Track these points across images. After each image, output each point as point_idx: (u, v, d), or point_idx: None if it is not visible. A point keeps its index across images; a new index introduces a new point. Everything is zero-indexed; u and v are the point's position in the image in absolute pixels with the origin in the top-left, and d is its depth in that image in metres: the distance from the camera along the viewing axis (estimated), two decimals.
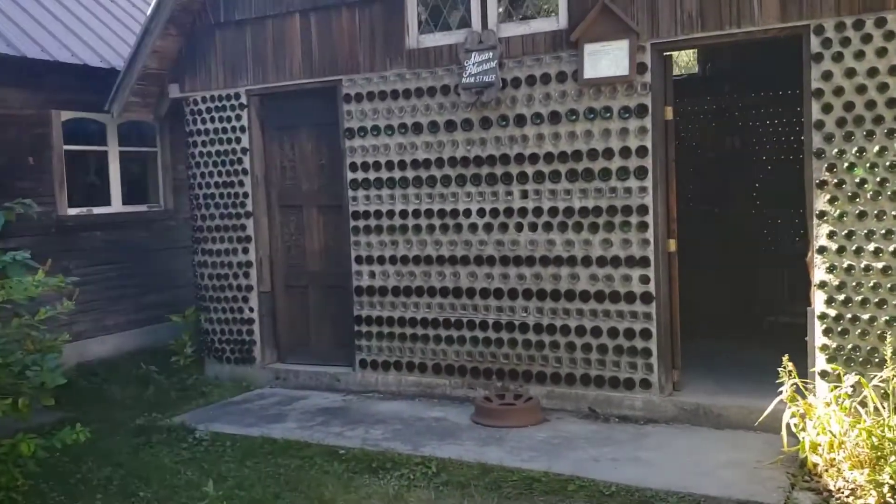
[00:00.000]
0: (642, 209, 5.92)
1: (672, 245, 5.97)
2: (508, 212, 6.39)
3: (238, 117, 7.58)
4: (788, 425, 4.95)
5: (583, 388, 6.21)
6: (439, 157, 6.63)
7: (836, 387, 4.93)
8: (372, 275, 7.00)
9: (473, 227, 6.54)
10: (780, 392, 5.08)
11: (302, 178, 7.50)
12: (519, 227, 6.37)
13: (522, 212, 6.34)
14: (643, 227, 5.93)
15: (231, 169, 7.66)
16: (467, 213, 6.55)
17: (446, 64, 6.55)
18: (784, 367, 5.02)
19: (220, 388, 7.45)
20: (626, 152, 5.94)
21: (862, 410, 4.80)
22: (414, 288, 6.82)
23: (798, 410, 4.93)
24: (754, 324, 8.18)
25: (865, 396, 4.84)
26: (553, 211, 6.22)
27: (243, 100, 7.54)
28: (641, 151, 5.89)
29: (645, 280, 5.94)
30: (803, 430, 4.90)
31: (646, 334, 5.97)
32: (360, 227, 7.02)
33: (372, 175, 6.93)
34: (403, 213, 6.82)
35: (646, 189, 5.90)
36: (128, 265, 8.97)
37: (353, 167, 7.01)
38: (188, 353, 8.12)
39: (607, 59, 5.91)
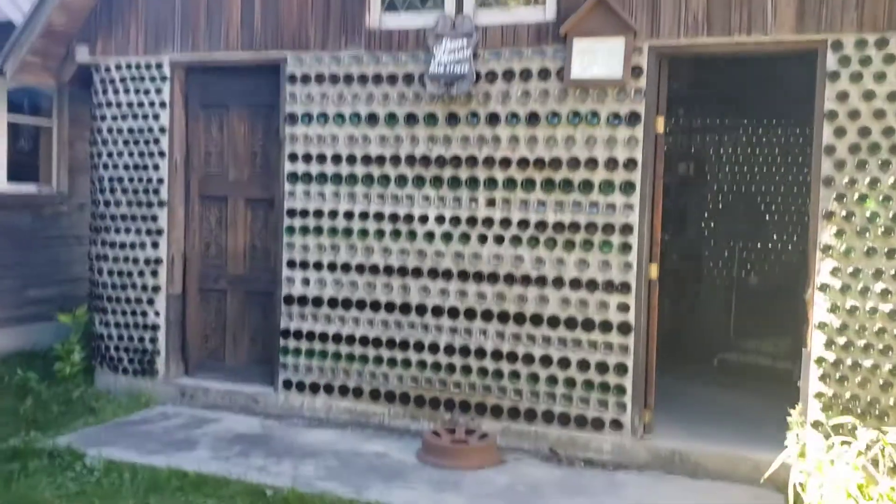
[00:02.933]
0: (626, 229, 5.29)
1: (654, 271, 5.36)
2: (472, 221, 5.65)
3: (158, 90, 6.54)
4: (794, 485, 4.37)
5: (544, 426, 5.50)
6: (396, 153, 5.82)
7: (845, 442, 4.39)
8: (306, 282, 6.09)
9: (430, 236, 5.75)
10: (778, 443, 4.53)
11: (229, 166, 6.52)
12: (482, 239, 5.63)
13: (488, 222, 5.60)
14: (626, 248, 5.29)
15: (145, 150, 6.60)
16: (424, 219, 5.76)
17: (412, 49, 5.76)
18: (795, 420, 4.46)
19: (113, 403, 6.34)
20: (612, 164, 5.31)
21: (873, 470, 4.28)
22: (354, 300, 5.96)
23: (804, 469, 4.37)
24: (704, 360, 7.71)
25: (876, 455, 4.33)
26: (523, 223, 5.51)
27: (166, 70, 6.51)
28: (630, 164, 5.27)
29: (624, 308, 5.31)
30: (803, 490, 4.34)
31: (620, 369, 5.32)
32: (295, 226, 6.11)
33: (315, 168, 6.05)
34: (349, 214, 5.96)
35: (632, 206, 5.28)
36: (8, 253, 7.71)
37: (293, 158, 6.11)
38: (76, 359, 6.93)
39: (598, 58, 5.27)
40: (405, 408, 5.86)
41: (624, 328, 5.30)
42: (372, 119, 5.87)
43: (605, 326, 5.34)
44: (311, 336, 6.09)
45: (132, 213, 6.64)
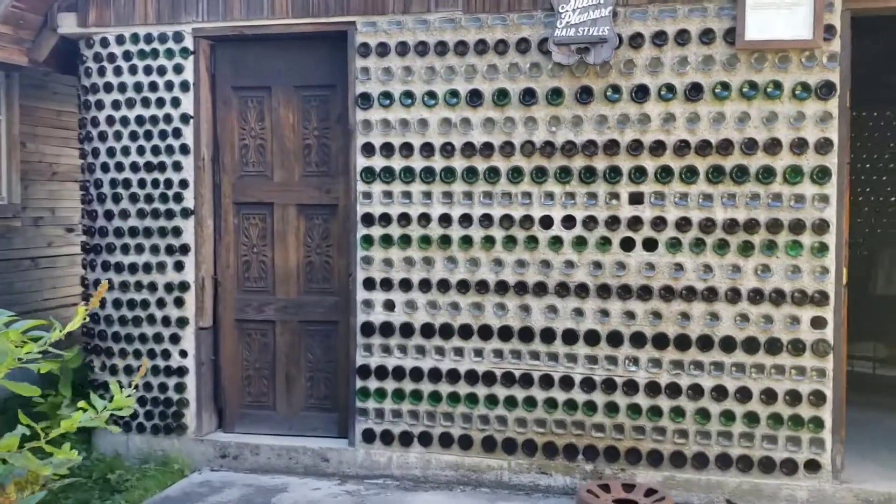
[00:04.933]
0: (820, 226, 4.27)
1: (844, 276, 4.37)
2: (612, 222, 4.51)
3: (178, 69, 5.11)
4: None
5: (719, 474, 4.42)
6: (507, 140, 4.62)
7: None
8: (389, 306, 4.81)
9: (556, 242, 4.58)
10: None
11: (274, 165, 5.15)
12: (628, 245, 4.50)
13: (635, 222, 4.48)
14: (821, 249, 4.28)
15: (161, 145, 5.15)
16: (547, 221, 4.59)
17: (526, 8, 4.58)
18: None
19: (136, 473, 4.87)
20: (800, 145, 4.28)
21: None
22: (456, 327, 4.73)
23: None
24: None
25: None
26: (683, 223, 4.42)
27: (187, 43, 5.09)
28: (823, 146, 4.25)
29: (820, 324, 4.29)
30: None
31: (817, 398, 4.30)
32: (374, 236, 4.82)
33: (398, 162, 4.77)
34: (445, 219, 4.72)
35: (827, 198, 4.27)
36: None
37: (368, 150, 4.82)
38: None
39: (780, 14, 4.24)
40: (530, 459, 4.66)
41: (820, 348, 4.28)
42: (475, 97, 4.65)
43: (797, 347, 4.31)
44: (399, 373, 4.81)
45: (146, 227, 5.18)
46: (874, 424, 5.30)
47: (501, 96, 4.62)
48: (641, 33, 4.43)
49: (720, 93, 4.35)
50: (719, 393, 4.41)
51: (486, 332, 4.69)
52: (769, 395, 4.34)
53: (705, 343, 4.42)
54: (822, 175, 4.26)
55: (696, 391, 4.43)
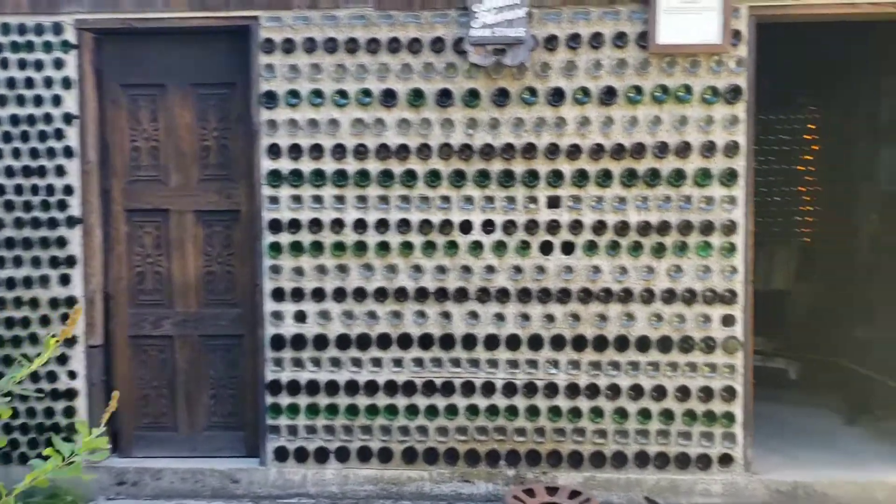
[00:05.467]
0: (729, 226, 4.41)
1: (750, 275, 4.54)
2: (532, 226, 4.49)
3: (58, 64, 4.67)
4: None
5: (637, 472, 4.49)
6: (424, 142, 4.51)
7: None
8: (301, 317, 4.59)
9: (476, 247, 4.51)
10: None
11: (169, 167, 4.80)
12: (547, 248, 4.49)
13: (553, 226, 4.48)
14: (730, 250, 4.42)
15: (41, 147, 4.69)
16: (466, 226, 4.51)
17: (440, 6, 4.48)
18: None
19: None
20: (709, 148, 4.40)
21: None
22: (374, 337, 4.57)
23: None
24: None
25: None
26: (599, 226, 4.45)
27: (69, 36, 4.66)
28: (731, 149, 4.39)
29: (730, 321, 4.43)
30: None
31: (728, 394, 4.44)
32: (283, 243, 4.58)
33: (307, 165, 4.56)
34: (360, 224, 4.55)
35: (734, 200, 4.41)
36: None
37: (275, 152, 4.57)
38: None
39: (690, 19, 4.34)
40: (452, 468, 4.58)
41: (730, 345, 4.43)
42: (389, 97, 4.50)
43: (708, 344, 4.44)
44: (313, 388, 4.60)
45: (24, 237, 4.71)
46: (772, 417, 5.56)
47: (416, 96, 4.49)
48: (556, 35, 4.42)
49: (633, 97, 4.40)
50: (636, 392, 4.48)
51: (405, 341, 4.56)
52: (683, 393, 4.45)
53: (622, 343, 4.47)
54: (729, 177, 4.39)
55: (613, 391, 4.48)
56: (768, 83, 5.16)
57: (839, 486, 4.39)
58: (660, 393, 4.46)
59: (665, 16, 4.33)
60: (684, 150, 4.39)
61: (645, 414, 4.47)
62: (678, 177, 4.41)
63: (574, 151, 4.43)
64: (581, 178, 4.44)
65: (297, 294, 4.58)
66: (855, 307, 6.36)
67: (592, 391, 4.49)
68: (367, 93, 4.51)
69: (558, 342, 4.50)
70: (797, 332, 6.88)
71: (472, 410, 4.54)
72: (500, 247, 4.50)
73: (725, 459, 4.45)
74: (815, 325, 6.90)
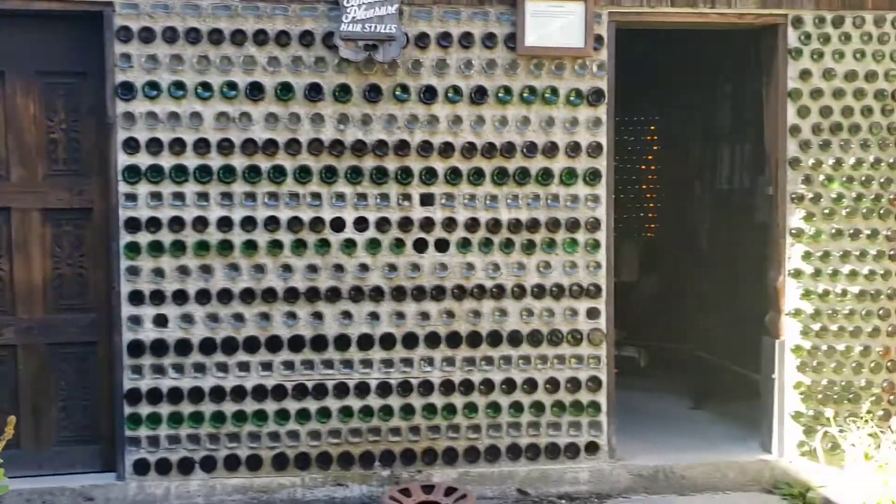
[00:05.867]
0: (593, 224, 4.58)
1: (612, 269, 4.74)
2: (405, 223, 4.47)
3: None
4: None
5: (510, 464, 4.59)
6: (293, 137, 4.37)
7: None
8: (162, 321, 4.33)
9: (349, 245, 4.43)
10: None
11: (10, 162, 4.37)
12: (421, 246, 4.49)
13: (427, 224, 4.48)
14: (594, 246, 4.59)
15: None
16: (338, 224, 4.42)
17: (310, 0, 4.36)
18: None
19: None
20: (574, 149, 4.55)
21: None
22: (241, 340, 4.39)
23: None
24: None
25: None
26: (472, 224, 4.50)
27: None
28: (594, 149, 4.56)
29: (594, 314, 4.61)
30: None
31: (594, 384, 4.63)
32: (141, 243, 4.30)
33: (168, 161, 4.30)
34: (225, 223, 4.35)
35: (598, 198, 4.59)
36: None
37: (132, 146, 4.28)
38: None
39: (556, 23, 4.47)
40: (325, 472, 4.48)
41: (595, 336, 4.61)
42: (255, 91, 4.33)
43: (575, 337, 4.60)
44: (176, 395, 4.36)
45: None
46: (627, 404, 5.82)
47: (285, 91, 4.35)
48: (427, 33, 4.41)
49: (503, 97, 4.48)
50: (508, 386, 4.56)
51: (275, 344, 4.41)
52: (553, 384, 4.59)
53: (495, 338, 4.54)
54: (593, 177, 4.56)
55: (487, 386, 4.55)
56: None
57: (695, 467, 4.68)
58: (531, 386, 4.57)
59: (532, 19, 4.43)
60: (551, 149, 4.52)
61: (517, 407, 4.57)
62: (546, 176, 4.53)
63: (447, 149, 4.45)
64: (454, 176, 4.47)
65: (157, 297, 4.32)
66: (695, 297, 6.82)
67: (467, 387, 4.54)
68: (232, 86, 4.31)
69: (433, 339, 4.51)
70: (644, 322, 7.28)
71: (346, 412, 4.46)
72: (373, 245, 4.44)
73: (592, 447, 4.63)
74: (661, 315, 7.34)
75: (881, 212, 4.71)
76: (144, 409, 4.34)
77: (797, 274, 4.69)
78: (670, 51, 6.71)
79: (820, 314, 4.70)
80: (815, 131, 4.66)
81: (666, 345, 7.03)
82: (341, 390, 4.45)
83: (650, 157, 8.39)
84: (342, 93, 4.37)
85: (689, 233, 7.20)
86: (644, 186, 8.40)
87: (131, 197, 4.29)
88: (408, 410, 4.50)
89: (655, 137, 8.28)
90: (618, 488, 4.62)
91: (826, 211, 4.69)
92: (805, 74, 4.64)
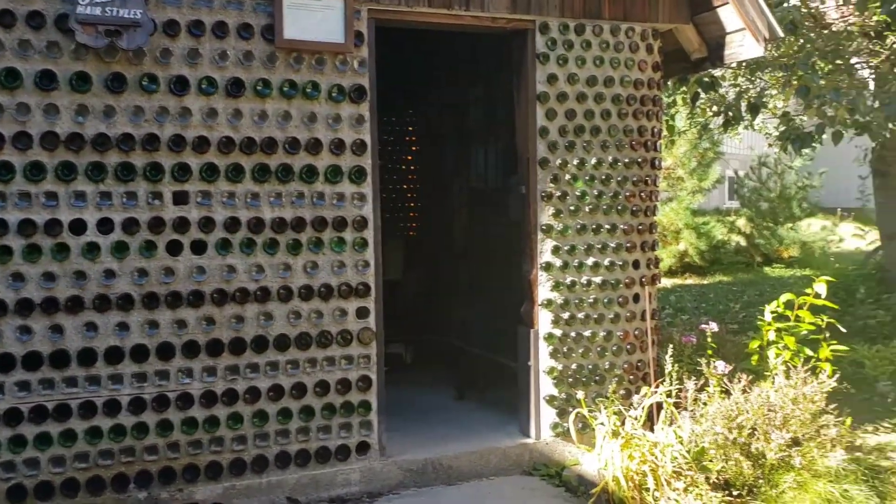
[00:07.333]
0: (360, 222, 4.54)
1: (380, 267, 4.74)
2: (157, 224, 4.14)
3: None
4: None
5: (279, 473, 4.42)
6: (22, 130, 3.88)
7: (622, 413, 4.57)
8: None
9: (92, 250, 4.02)
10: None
11: None
12: (175, 248, 4.18)
13: (181, 224, 4.18)
14: (362, 245, 4.55)
15: None
16: (79, 226, 4.00)
17: None
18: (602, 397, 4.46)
19: None
20: (338, 146, 4.48)
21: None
22: None
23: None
24: None
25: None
26: (232, 223, 4.28)
27: None
28: (359, 147, 4.52)
29: (364, 314, 4.57)
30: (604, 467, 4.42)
31: (364, 383, 4.59)
32: None
33: None
34: None
35: (364, 196, 4.55)
36: None
37: None
38: None
39: (315, 17, 4.36)
40: (72, 501, 4.03)
41: (365, 336, 4.58)
42: None
43: (345, 337, 4.53)
44: None
45: None
46: (395, 400, 5.86)
47: (11, 78, 3.84)
48: (177, 21, 4.12)
49: (262, 90, 4.30)
50: (276, 392, 4.40)
51: (6, 363, 3.89)
52: (323, 387, 4.49)
53: (260, 344, 4.35)
54: (359, 175, 4.52)
55: (253, 394, 4.35)
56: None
57: (461, 457, 4.80)
58: (300, 391, 4.43)
59: (290, 11, 4.30)
60: (315, 146, 4.41)
61: (285, 413, 4.41)
62: (310, 173, 4.41)
63: (201, 144, 4.19)
64: (211, 172, 4.21)
65: None
66: (455, 291, 7.03)
67: (231, 397, 4.30)
68: None
69: (192, 349, 4.22)
70: (409, 318, 7.39)
71: (94, 434, 4.05)
72: (120, 248, 4.07)
73: (363, 447, 4.59)
74: (424, 310, 7.49)
75: (619, 208, 5.13)
76: None
77: (548, 267, 4.98)
78: (429, 50, 6.85)
79: (569, 304, 5.02)
80: (562, 133, 4.98)
81: (429, 339, 7.19)
82: (88, 410, 4.03)
83: (409, 157, 8.54)
84: (80, 82, 3.95)
85: (448, 230, 7.41)
86: (405, 185, 8.54)
87: None
88: (165, 426, 4.17)
89: (415, 138, 8.45)
90: (389, 485, 4.63)
91: (572, 208, 5.02)
92: (552, 79, 4.93)
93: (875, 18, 6.44)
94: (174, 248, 4.17)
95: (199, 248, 4.22)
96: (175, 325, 4.18)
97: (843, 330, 5.66)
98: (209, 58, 4.19)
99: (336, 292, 4.49)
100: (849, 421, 4.73)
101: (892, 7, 6.08)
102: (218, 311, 4.26)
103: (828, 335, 5.13)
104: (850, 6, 7.34)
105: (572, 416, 4.85)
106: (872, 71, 7.50)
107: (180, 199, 4.17)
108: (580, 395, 4.79)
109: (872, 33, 7.17)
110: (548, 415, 5.00)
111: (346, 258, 4.51)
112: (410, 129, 8.45)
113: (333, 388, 4.51)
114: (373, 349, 4.59)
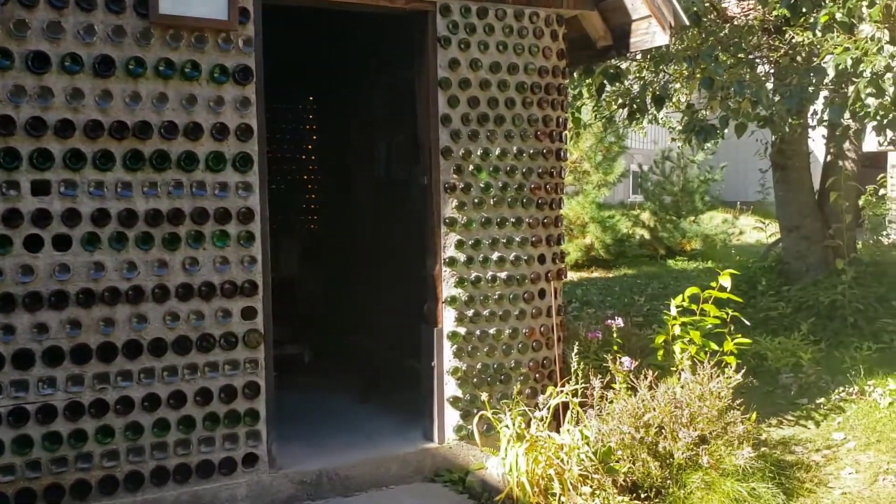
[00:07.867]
0: (245, 214, 4.18)
1: (269, 264, 4.39)
2: (13, 216, 3.68)
3: None
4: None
5: (156, 491, 4.02)
6: None
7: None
8: None
9: None
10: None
11: None
12: (34, 244, 3.73)
13: (41, 217, 3.74)
14: (248, 239, 4.20)
15: None
16: None
17: None
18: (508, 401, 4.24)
19: None
20: (221, 131, 4.10)
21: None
22: None
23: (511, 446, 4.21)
24: None
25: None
26: (101, 216, 3.85)
27: None
28: (244, 132, 4.16)
29: (250, 314, 4.22)
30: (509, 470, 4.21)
31: (252, 390, 4.24)
32: None
33: None
34: None
35: (250, 186, 4.20)
36: None
37: None
38: None
39: None
40: None
41: (252, 338, 4.22)
42: None
43: (230, 341, 4.17)
44: None
45: None
46: (291, 405, 5.52)
47: None
48: None
49: (134, 69, 3.89)
50: (151, 402, 4.00)
51: None
52: (205, 396, 4.11)
53: (133, 349, 3.95)
54: (244, 162, 4.16)
55: (125, 405, 3.94)
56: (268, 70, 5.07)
57: (359, 466, 4.51)
58: (178, 400, 4.05)
59: None
60: (195, 131, 4.03)
61: (162, 425, 4.02)
62: (190, 160, 4.03)
63: (65, 128, 3.75)
64: (76, 159, 3.78)
65: None
66: (359, 288, 6.73)
67: (99, 408, 3.88)
68: None
69: (54, 356, 3.78)
70: (309, 317, 7.04)
71: None
72: None
73: (250, 459, 4.24)
74: (327, 309, 7.16)
75: (524, 200, 4.93)
76: None
77: (452, 262, 4.74)
78: (333, 34, 6.50)
79: (473, 300, 4.80)
80: (465, 121, 4.74)
81: (331, 338, 6.86)
82: None
83: (310, 147, 8.16)
84: None
85: (351, 224, 7.09)
86: (305, 176, 8.15)
87: None
88: (22, 443, 3.73)
89: (315, 126, 8.08)
90: (280, 499, 4.29)
91: (476, 200, 4.79)
92: (454, 64, 4.68)
93: (774, 13, 6.44)
94: (33, 244, 3.73)
95: (62, 243, 3.78)
96: (35, 330, 3.74)
97: (748, 323, 5.64)
98: (73, 32, 3.75)
99: (219, 291, 4.12)
100: (754, 416, 4.67)
101: (792, 1, 6.09)
102: (84, 313, 3.83)
103: (732, 328, 5.08)
104: (751, 0, 7.38)
105: (476, 419, 4.63)
106: (772, 66, 7.56)
107: (40, 189, 3.73)
108: (484, 396, 4.58)
109: (772, 28, 7.21)
110: (452, 417, 4.77)
111: (230, 254, 4.15)
112: (311, 117, 8.08)
113: (217, 397, 4.14)
114: (261, 353, 4.24)
